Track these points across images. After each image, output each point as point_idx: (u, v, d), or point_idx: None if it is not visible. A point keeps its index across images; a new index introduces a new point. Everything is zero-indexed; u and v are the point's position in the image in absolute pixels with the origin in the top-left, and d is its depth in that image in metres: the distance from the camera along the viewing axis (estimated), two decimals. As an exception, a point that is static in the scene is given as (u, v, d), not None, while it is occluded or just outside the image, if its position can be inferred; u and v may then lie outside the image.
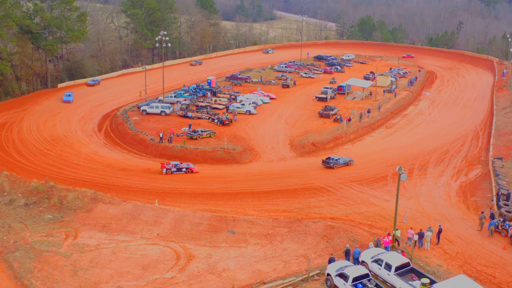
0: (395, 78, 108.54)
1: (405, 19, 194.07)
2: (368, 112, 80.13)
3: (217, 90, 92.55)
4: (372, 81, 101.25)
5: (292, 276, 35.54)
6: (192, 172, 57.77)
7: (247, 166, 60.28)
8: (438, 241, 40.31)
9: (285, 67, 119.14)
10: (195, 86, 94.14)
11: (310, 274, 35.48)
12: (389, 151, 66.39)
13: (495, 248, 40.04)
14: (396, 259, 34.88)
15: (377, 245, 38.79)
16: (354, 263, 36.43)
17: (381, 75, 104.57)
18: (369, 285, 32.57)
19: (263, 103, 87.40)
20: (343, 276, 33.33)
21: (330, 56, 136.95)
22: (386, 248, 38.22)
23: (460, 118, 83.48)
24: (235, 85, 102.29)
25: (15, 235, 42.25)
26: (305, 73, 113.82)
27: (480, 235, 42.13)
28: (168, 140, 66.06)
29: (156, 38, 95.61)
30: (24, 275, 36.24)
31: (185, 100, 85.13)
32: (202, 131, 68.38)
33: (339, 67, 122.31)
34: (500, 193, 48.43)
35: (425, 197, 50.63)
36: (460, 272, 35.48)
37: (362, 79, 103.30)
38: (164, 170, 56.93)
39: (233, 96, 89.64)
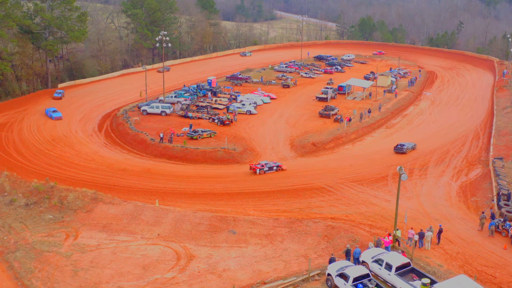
0: (396, 78, 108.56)
1: (405, 19, 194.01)
2: (369, 112, 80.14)
3: (217, 90, 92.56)
4: (373, 81, 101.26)
5: (292, 276, 35.55)
6: (282, 169, 58.84)
7: (247, 166, 60.26)
8: (439, 241, 40.31)
9: (286, 67, 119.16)
10: (195, 86, 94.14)
11: (311, 274, 35.49)
12: (390, 151, 66.37)
13: (495, 248, 40.06)
14: (396, 259, 34.88)
15: (377, 245, 38.78)
16: (355, 263, 36.43)
17: (382, 75, 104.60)
18: (370, 285, 32.57)
19: (264, 103, 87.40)
20: (343, 276, 33.33)
21: (330, 56, 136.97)
22: (386, 248, 38.21)
23: (461, 118, 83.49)
24: (236, 85, 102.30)
25: (15, 235, 42.26)
26: (306, 73, 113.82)
27: (481, 235, 42.13)
28: (169, 140, 66.07)
29: (157, 38, 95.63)
30: (24, 275, 36.25)
31: (185, 100, 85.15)
32: (202, 131, 68.39)
33: (339, 67, 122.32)
34: (500, 193, 48.43)
35: (425, 197, 50.64)
36: (460, 272, 35.47)
37: (362, 79, 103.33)
38: (258, 171, 57.60)
39: (233, 96, 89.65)
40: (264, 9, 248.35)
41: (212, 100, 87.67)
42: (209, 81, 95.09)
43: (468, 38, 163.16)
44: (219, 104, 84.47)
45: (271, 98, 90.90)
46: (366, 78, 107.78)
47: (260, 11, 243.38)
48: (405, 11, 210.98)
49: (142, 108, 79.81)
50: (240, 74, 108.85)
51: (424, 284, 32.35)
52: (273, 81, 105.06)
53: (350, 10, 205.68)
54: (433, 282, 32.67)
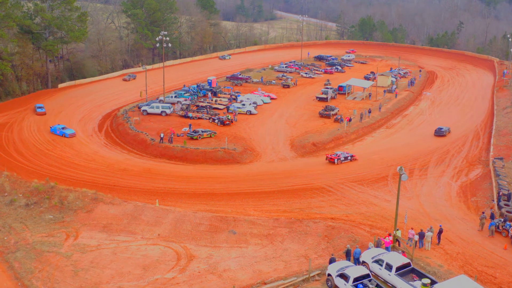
0: (396, 78, 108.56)
1: (406, 19, 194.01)
2: (369, 112, 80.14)
3: (217, 90, 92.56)
4: (373, 81, 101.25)
5: (293, 277, 35.57)
6: (355, 159, 62.33)
7: (247, 166, 60.31)
8: (439, 241, 40.32)
9: (286, 67, 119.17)
10: (195, 86, 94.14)
11: (311, 275, 35.51)
12: (390, 151, 66.40)
13: (495, 248, 40.08)
14: (396, 259, 34.90)
15: (377, 245, 38.80)
16: (355, 264, 36.45)
17: (382, 75, 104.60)
18: (370, 286, 32.59)
19: (264, 103, 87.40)
20: (344, 276, 33.35)
21: (330, 56, 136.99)
22: (386, 248, 38.24)
23: (461, 118, 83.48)
24: (236, 85, 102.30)
25: (15, 235, 42.28)
26: (306, 73, 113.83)
27: (481, 235, 42.15)
28: (169, 140, 66.07)
29: (157, 38, 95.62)
30: (24, 276, 36.27)
31: (185, 100, 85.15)
32: (202, 131, 68.39)
33: (339, 67, 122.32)
34: (501, 193, 48.43)
35: (425, 197, 50.65)
36: (460, 273, 35.49)
37: (362, 79, 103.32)
38: (336, 161, 60.68)
39: (233, 96, 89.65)
40: (264, 9, 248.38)
41: (212, 100, 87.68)
42: (209, 81, 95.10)
43: (468, 38, 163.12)
44: (219, 104, 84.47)
45: (271, 98, 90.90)
46: (366, 78, 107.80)
47: (260, 11, 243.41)
48: (405, 11, 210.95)
49: (142, 108, 79.82)
50: (240, 74, 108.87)
51: (424, 285, 32.37)
52: (273, 81, 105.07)
53: (350, 10, 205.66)
54: (433, 282, 32.69)
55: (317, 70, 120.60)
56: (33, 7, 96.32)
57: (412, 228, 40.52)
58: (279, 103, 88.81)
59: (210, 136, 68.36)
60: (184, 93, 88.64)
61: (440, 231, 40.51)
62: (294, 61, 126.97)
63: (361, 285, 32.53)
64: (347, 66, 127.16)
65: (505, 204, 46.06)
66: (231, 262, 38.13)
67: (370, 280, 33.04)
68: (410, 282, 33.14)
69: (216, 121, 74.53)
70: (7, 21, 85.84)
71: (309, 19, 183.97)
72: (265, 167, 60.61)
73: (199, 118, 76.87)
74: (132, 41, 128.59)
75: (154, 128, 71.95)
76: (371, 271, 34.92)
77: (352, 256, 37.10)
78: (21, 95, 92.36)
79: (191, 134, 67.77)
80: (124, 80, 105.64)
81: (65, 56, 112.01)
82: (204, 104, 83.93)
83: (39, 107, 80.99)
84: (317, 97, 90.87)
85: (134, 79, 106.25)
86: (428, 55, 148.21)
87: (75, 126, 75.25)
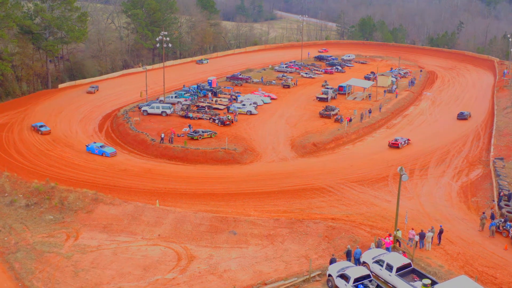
0: (396, 78, 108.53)
1: (406, 19, 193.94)
2: (369, 112, 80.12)
3: (217, 91, 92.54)
4: (373, 81, 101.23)
5: (293, 277, 35.57)
6: (410, 143, 68.53)
7: (248, 167, 60.30)
8: (439, 241, 40.32)
9: (286, 67, 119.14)
10: (196, 86, 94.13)
11: (311, 275, 35.51)
12: (390, 151, 66.36)
13: (496, 248, 40.07)
14: (397, 259, 34.88)
15: (378, 245, 38.79)
16: (355, 264, 36.44)
17: (382, 75, 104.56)
18: (370, 286, 32.58)
19: (264, 103, 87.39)
20: (344, 277, 33.34)
21: (330, 56, 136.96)
22: (387, 248, 38.24)
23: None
24: (236, 85, 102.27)
25: (16, 236, 42.28)
26: (306, 73, 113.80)
27: (481, 236, 42.14)
28: (169, 140, 66.06)
29: (157, 39, 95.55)
30: (25, 276, 36.28)
31: (185, 100, 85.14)
32: (203, 132, 68.39)
33: (339, 67, 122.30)
34: (501, 193, 48.42)
35: (426, 198, 50.64)
36: (461, 273, 35.48)
37: (362, 79, 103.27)
38: (400, 145, 66.34)
39: (234, 97, 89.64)
40: (264, 9, 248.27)
41: (212, 100, 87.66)
42: (209, 81, 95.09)
43: (468, 38, 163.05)
44: (219, 104, 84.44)
45: (272, 98, 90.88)
46: (367, 78, 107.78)
47: (260, 11, 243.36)
48: (405, 11, 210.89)
49: (142, 109, 79.81)
50: (240, 74, 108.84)
51: (425, 285, 32.35)
52: (273, 81, 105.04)
53: (350, 10, 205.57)
54: (434, 282, 32.68)
55: (317, 70, 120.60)
56: (33, 8, 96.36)
57: (412, 229, 40.52)
58: (280, 103, 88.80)
59: (211, 137, 68.36)
60: (184, 93, 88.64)
61: (441, 232, 40.50)
62: (294, 61, 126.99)
63: (361, 286, 32.53)
64: (347, 66, 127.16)
65: (506, 205, 46.03)
66: (232, 263, 38.13)
67: (370, 281, 33.03)
68: (410, 283, 33.12)
69: (217, 121, 74.52)
70: (7, 21, 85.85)
71: (309, 19, 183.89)
72: (266, 167, 60.60)
73: (199, 118, 76.87)
74: (132, 41, 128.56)
75: (154, 129, 71.94)
76: (371, 272, 34.90)
77: (353, 257, 37.08)
78: (21, 96, 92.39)
79: (191, 134, 67.76)
80: (89, 92, 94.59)
81: (65, 56, 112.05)
82: (204, 104, 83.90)
83: (41, 126, 71.44)
84: (317, 97, 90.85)
85: (98, 90, 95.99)
86: (428, 55, 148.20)
87: (76, 127, 75.31)
